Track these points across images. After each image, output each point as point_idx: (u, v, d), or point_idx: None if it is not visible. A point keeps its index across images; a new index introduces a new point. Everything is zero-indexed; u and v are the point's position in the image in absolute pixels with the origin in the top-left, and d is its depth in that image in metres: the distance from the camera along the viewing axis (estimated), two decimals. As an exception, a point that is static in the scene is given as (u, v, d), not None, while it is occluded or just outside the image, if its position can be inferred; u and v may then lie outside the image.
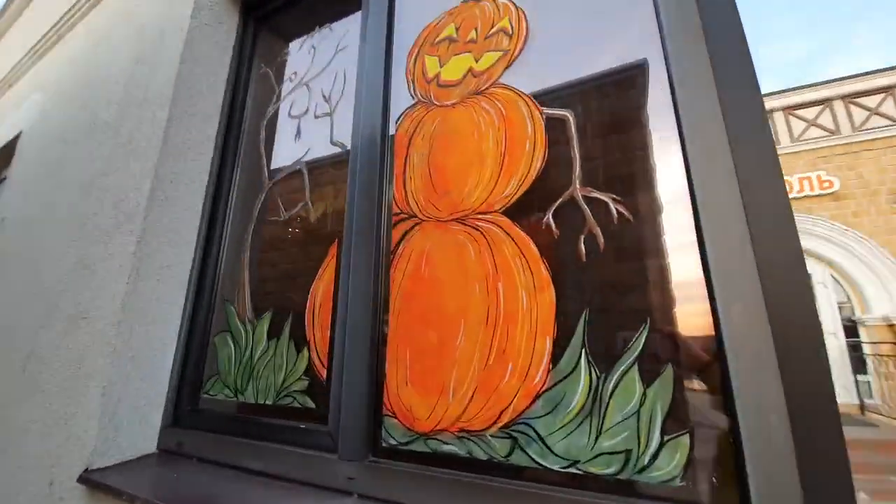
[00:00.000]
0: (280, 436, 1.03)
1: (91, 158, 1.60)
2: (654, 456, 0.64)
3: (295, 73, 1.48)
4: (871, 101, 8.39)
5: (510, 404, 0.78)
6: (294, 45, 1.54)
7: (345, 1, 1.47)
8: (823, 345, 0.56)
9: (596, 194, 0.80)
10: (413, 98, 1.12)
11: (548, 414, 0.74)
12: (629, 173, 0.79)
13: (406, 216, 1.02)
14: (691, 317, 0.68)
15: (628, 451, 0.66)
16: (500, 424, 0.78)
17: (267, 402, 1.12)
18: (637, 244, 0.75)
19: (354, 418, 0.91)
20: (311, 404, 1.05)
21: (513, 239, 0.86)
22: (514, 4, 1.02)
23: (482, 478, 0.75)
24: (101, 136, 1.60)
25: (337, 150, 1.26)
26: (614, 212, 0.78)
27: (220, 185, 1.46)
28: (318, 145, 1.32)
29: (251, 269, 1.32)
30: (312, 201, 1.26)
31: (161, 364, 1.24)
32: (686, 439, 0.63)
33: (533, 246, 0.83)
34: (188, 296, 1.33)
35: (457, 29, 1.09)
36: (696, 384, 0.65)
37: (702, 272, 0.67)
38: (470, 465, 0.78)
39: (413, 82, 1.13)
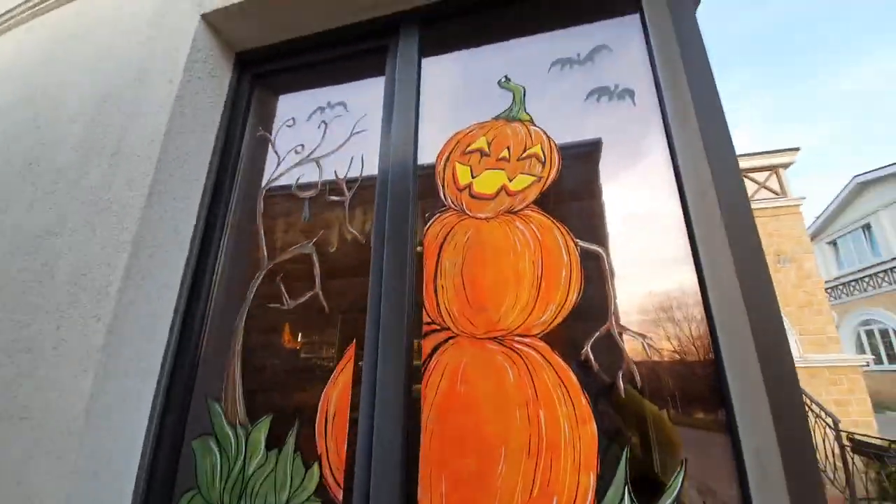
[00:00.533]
0: (284, 571, 0.93)
1: (36, 209, 1.36)
2: None
3: (302, 146, 1.43)
4: (760, 176, 10.32)
5: (557, 541, 0.81)
6: (299, 113, 1.50)
7: (359, 72, 1.49)
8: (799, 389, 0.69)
9: (631, 333, 0.90)
10: (444, 202, 1.16)
11: (597, 554, 0.78)
12: (657, 316, 0.90)
13: (439, 328, 1.03)
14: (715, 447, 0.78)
15: None
16: (548, 564, 0.80)
17: (264, 526, 1.01)
18: (669, 383, 0.85)
19: (383, 554, 0.87)
20: (324, 531, 0.97)
21: (553, 367, 0.92)
22: (546, 134, 1.13)
23: None
24: (53, 184, 1.38)
25: (353, 236, 1.24)
26: (647, 349, 0.88)
27: (203, 258, 1.33)
28: (331, 229, 1.28)
29: (244, 363, 1.20)
30: (324, 291, 1.21)
31: (122, 473, 1.05)
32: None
33: (573, 376, 0.90)
34: (159, 390, 1.16)
35: (489, 143, 1.17)
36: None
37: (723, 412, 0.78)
38: None
39: (444, 186, 1.17)
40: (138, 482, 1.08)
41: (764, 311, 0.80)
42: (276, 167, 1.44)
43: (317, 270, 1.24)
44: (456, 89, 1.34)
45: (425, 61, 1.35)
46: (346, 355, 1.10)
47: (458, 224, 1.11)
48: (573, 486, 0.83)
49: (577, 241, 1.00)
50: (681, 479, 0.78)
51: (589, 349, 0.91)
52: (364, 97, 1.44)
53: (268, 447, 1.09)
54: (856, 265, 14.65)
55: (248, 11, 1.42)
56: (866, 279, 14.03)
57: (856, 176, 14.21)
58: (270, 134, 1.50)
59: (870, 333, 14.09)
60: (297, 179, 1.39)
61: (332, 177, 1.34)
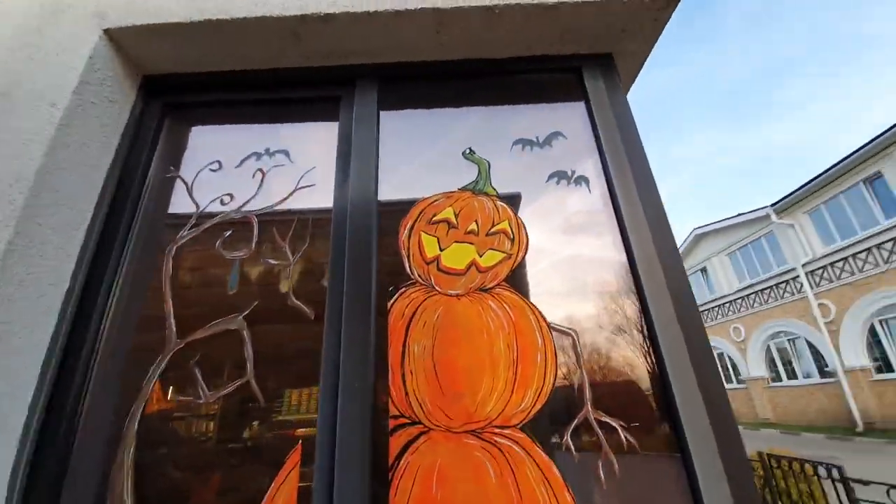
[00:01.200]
0: None
1: None
2: None
3: (231, 196, 1.23)
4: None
5: None
6: (227, 157, 1.30)
7: (305, 119, 1.37)
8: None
9: (606, 419, 0.93)
10: (410, 275, 1.08)
11: None
12: (635, 397, 0.95)
13: (409, 421, 0.93)
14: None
15: None
16: None
17: None
18: (642, 474, 0.89)
19: None
20: None
21: (535, 461, 0.89)
22: (513, 211, 1.16)
23: None
24: None
25: (296, 309, 1.07)
26: (623, 439, 0.91)
27: (78, 333, 1.01)
28: (268, 300, 1.09)
29: (138, 480, 0.90)
30: (257, 379, 1.00)
31: None
32: None
33: (556, 470, 0.88)
34: None
35: (456, 215, 1.16)
36: None
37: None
38: None
39: (409, 258, 1.10)
40: None
41: (710, 376, 0.90)
42: (194, 219, 1.19)
43: (248, 351, 1.03)
44: (416, 150, 1.32)
45: (383, 114, 1.31)
46: (289, 461, 0.91)
47: (427, 300, 1.05)
48: None
49: (550, 322, 1.02)
50: (663, 573, 0.80)
51: (569, 437, 0.91)
52: (310, 147, 1.32)
53: None
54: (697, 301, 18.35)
55: (167, 35, 1.21)
56: (704, 313, 17.66)
57: (695, 229, 18.14)
58: (186, 179, 1.26)
59: (710, 357, 17.50)
60: (224, 237, 1.17)
61: (271, 235, 1.16)
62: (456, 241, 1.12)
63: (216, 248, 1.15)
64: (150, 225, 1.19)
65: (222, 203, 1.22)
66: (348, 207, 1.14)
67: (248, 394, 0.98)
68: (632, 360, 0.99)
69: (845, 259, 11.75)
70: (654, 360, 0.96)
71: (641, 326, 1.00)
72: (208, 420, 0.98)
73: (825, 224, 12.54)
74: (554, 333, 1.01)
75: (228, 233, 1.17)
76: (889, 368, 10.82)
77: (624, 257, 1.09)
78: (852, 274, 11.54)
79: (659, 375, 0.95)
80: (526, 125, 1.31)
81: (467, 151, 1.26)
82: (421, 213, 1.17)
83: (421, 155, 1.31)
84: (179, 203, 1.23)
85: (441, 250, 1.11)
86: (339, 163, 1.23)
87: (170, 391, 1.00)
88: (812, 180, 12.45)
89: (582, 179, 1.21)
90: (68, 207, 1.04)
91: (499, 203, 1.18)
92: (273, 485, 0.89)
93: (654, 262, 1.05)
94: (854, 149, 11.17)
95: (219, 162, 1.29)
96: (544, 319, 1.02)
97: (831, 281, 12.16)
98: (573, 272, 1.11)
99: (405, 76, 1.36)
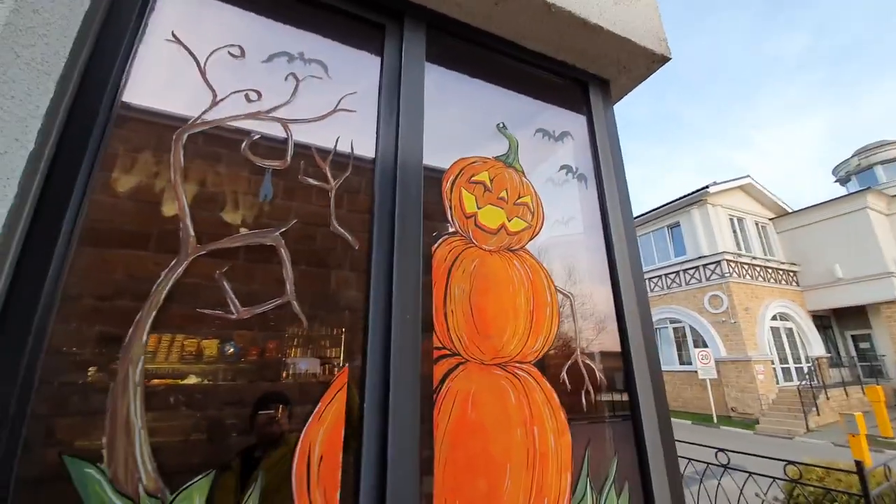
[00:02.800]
0: None
1: None
2: (625, 546, 1.10)
3: (258, 94, 1.09)
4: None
5: (547, 535, 1.02)
6: (252, 46, 1.13)
7: (344, 37, 1.29)
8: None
9: (587, 359, 1.25)
10: (452, 225, 1.19)
11: (572, 535, 1.04)
12: (606, 345, 1.30)
13: (449, 353, 1.06)
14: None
15: (614, 548, 1.08)
16: (542, 556, 1.00)
17: None
18: (611, 396, 1.24)
19: None
20: None
21: (542, 389, 1.15)
22: (534, 188, 1.38)
23: None
24: None
25: (340, 236, 1.07)
26: (598, 370, 1.25)
27: (49, 225, 0.80)
28: (308, 221, 1.04)
29: (147, 398, 0.79)
30: (298, 296, 0.97)
31: None
32: (637, 530, 1.12)
33: (555, 396, 1.15)
34: None
35: (490, 180, 1.31)
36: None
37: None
38: None
39: (451, 209, 1.21)
40: None
41: (648, 336, 1.32)
42: (209, 106, 1.03)
43: (287, 271, 0.98)
44: (453, 109, 1.40)
45: (427, 64, 1.34)
46: (336, 383, 0.94)
47: (466, 250, 1.19)
48: (557, 487, 1.07)
49: (557, 286, 1.28)
50: (614, 467, 1.17)
51: (565, 374, 1.20)
52: (349, 69, 1.26)
53: (207, 521, 0.77)
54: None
55: None
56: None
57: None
58: (198, 58, 1.06)
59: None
60: (249, 140, 1.05)
61: (308, 152, 1.10)
62: (490, 204, 1.28)
63: (242, 149, 1.03)
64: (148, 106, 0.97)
65: (248, 100, 1.08)
66: (398, 145, 1.17)
67: (288, 313, 0.95)
68: (607, 323, 1.34)
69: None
70: (620, 328, 1.33)
71: (614, 299, 1.36)
72: (241, 335, 0.91)
73: (637, 253, 16.70)
74: (559, 295, 1.28)
75: (258, 135, 1.05)
76: (650, 364, 15.29)
77: (603, 244, 1.43)
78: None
79: (622, 338, 1.32)
80: (545, 119, 1.54)
81: (501, 125, 1.41)
82: (462, 170, 1.28)
83: (457, 114, 1.40)
84: (185, 85, 1.03)
85: (478, 208, 1.25)
86: (385, 97, 1.22)
87: (189, 304, 0.88)
88: (635, 218, 16.45)
89: (582, 177, 1.51)
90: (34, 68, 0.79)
91: (524, 178, 1.38)
92: (320, 403, 0.91)
93: (624, 253, 1.42)
94: (664, 203, 15.26)
95: (240, 48, 1.11)
96: (553, 282, 1.28)
97: (632, 297, 16.34)
98: (572, 248, 1.40)
99: (452, 32, 1.41)
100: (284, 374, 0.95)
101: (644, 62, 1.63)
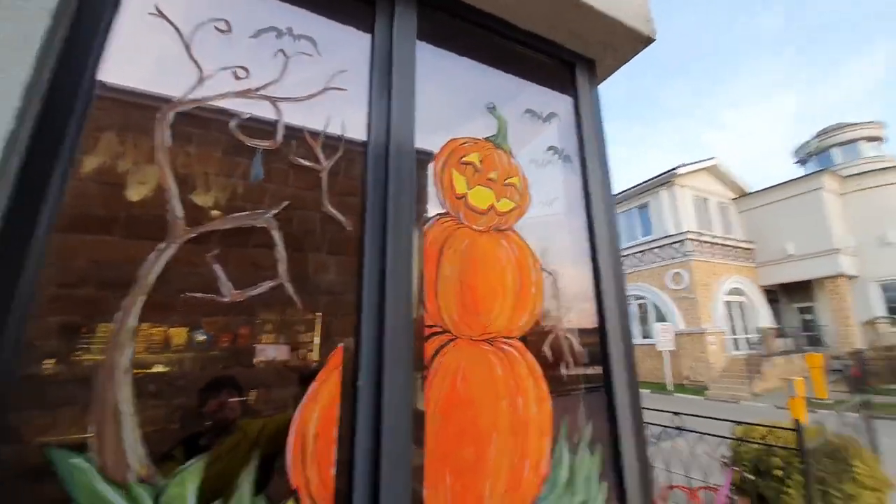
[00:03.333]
0: None
1: None
2: (596, 500, 1.22)
3: (246, 71, 1.05)
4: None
5: (528, 494, 1.13)
6: (239, 20, 1.08)
7: (333, 11, 1.25)
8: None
9: (567, 333, 1.34)
10: (443, 205, 1.22)
11: (550, 493, 1.16)
12: (584, 321, 1.39)
13: (440, 330, 1.12)
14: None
15: (586, 502, 1.21)
16: (524, 511, 1.11)
17: None
18: (588, 368, 1.35)
19: (399, 559, 0.90)
20: (313, 568, 0.86)
21: (525, 362, 1.23)
22: (521, 171, 1.42)
23: (516, 559, 1.04)
24: None
25: (332, 216, 1.07)
26: (577, 344, 1.34)
27: (29, 204, 0.77)
28: (299, 202, 1.04)
29: (135, 385, 0.80)
30: (291, 278, 0.99)
31: None
32: (608, 487, 1.26)
33: (538, 368, 1.24)
34: None
35: (480, 161, 1.33)
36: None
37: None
38: (507, 553, 1.05)
39: (442, 190, 1.23)
40: None
41: (622, 314, 1.43)
42: (194, 82, 0.99)
43: (281, 252, 0.99)
44: (444, 89, 1.39)
45: (418, 42, 1.32)
46: (331, 363, 0.98)
47: (457, 231, 1.22)
48: (537, 451, 1.17)
49: (542, 265, 1.35)
50: (590, 429, 1.28)
51: (546, 348, 1.28)
52: (339, 47, 1.23)
53: (203, 501, 0.81)
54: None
55: None
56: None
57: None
58: (183, 33, 1.00)
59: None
60: (238, 118, 1.02)
61: (298, 132, 1.08)
62: (479, 185, 1.31)
63: (231, 128, 1.00)
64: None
65: (236, 77, 1.04)
66: (390, 124, 1.16)
67: (282, 296, 0.97)
68: (586, 299, 1.43)
69: (613, 258, 16.60)
70: (599, 304, 1.42)
71: (594, 277, 1.44)
72: (232, 319, 0.92)
73: (608, 231, 17.27)
74: (543, 273, 1.35)
75: (247, 114, 1.03)
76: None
77: (586, 224, 1.51)
78: (614, 270, 16.46)
79: (600, 314, 1.42)
80: (534, 100, 1.56)
81: (491, 106, 1.43)
82: (452, 151, 1.29)
83: (448, 94, 1.40)
84: (171, 62, 0.98)
85: (468, 189, 1.28)
86: (377, 75, 1.21)
87: (179, 287, 0.88)
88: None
89: (567, 158, 1.56)
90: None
91: (512, 159, 1.41)
92: (315, 382, 0.95)
93: (604, 233, 1.50)
94: (634, 184, 15.74)
95: (226, 22, 1.06)
96: (538, 261, 1.35)
97: (602, 273, 17.04)
98: (556, 228, 1.46)
99: (444, 8, 1.39)
100: (279, 356, 0.98)
101: (630, 43, 1.66)
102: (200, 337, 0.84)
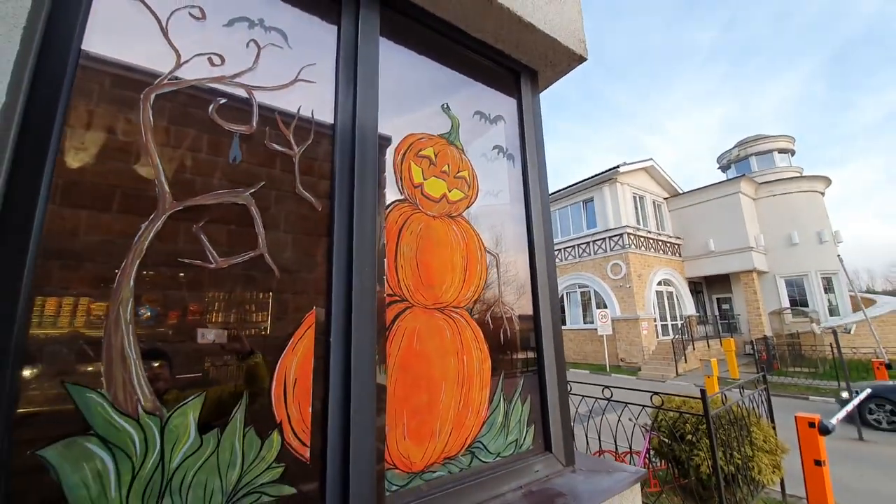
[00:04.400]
0: (249, 543, 0.95)
1: None
2: (526, 438, 1.50)
3: (221, 59, 1.16)
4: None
5: (470, 432, 1.37)
6: (212, 8, 1.18)
7: (303, 5, 1.37)
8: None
9: (507, 307, 1.60)
10: (401, 192, 1.41)
11: (489, 432, 1.42)
12: (521, 297, 1.65)
13: (398, 299, 1.32)
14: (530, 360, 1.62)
15: (518, 439, 1.48)
16: (466, 446, 1.35)
17: (208, 514, 0.93)
18: (522, 335, 1.62)
19: (363, 484, 1.11)
20: (291, 490, 1.04)
21: (471, 328, 1.47)
22: (471, 165, 1.64)
23: (458, 485, 1.29)
24: None
25: (304, 198, 1.22)
26: (514, 315, 1.60)
27: (26, 166, 0.86)
28: (274, 183, 1.18)
29: (138, 333, 0.92)
30: (269, 249, 1.13)
31: None
32: (535, 429, 1.54)
33: (481, 333, 1.49)
34: None
35: (435, 155, 1.53)
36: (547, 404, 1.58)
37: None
38: (451, 480, 1.29)
39: (401, 179, 1.42)
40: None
41: (553, 299, 1.72)
42: (173, 66, 1.08)
43: (259, 227, 1.13)
44: (403, 85, 1.57)
45: (381, 39, 1.49)
46: (306, 322, 1.15)
47: (414, 215, 1.42)
48: (478, 399, 1.42)
49: (486, 247, 1.59)
50: (521, 383, 1.56)
51: (489, 317, 1.53)
52: (308, 41, 1.36)
53: (202, 431, 0.95)
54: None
55: None
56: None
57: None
58: (160, 17, 1.09)
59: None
60: (216, 105, 1.13)
61: (272, 118, 1.21)
62: (434, 176, 1.51)
63: (210, 112, 1.12)
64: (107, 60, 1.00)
65: (212, 63, 1.15)
66: (355, 115, 1.33)
67: (262, 264, 1.11)
68: (522, 277, 1.69)
69: (559, 250, 17.60)
70: (532, 279, 1.70)
71: (529, 259, 1.71)
72: (219, 283, 1.05)
73: (556, 223, 18.25)
74: (487, 255, 1.59)
75: (223, 100, 1.14)
76: (564, 323, 17.31)
77: (524, 214, 1.77)
78: (562, 260, 17.47)
79: (533, 286, 1.69)
80: (483, 103, 1.78)
81: (445, 106, 1.63)
82: (411, 145, 1.48)
83: (407, 89, 1.57)
84: (148, 45, 1.07)
85: (424, 180, 1.48)
86: (343, 69, 1.36)
87: (170, 253, 1.00)
88: (556, 192, 17.84)
89: (511, 156, 1.81)
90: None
91: (463, 155, 1.63)
92: (293, 338, 1.12)
93: (539, 223, 1.77)
94: (581, 179, 16.75)
95: (200, 9, 1.16)
96: (483, 244, 1.59)
97: (549, 264, 18.08)
98: (499, 217, 1.71)
99: (403, 11, 1.55)
100: (260, 317, 1.13)
101: (566, 59, 1.94)
102: (190, 299, 0.98)
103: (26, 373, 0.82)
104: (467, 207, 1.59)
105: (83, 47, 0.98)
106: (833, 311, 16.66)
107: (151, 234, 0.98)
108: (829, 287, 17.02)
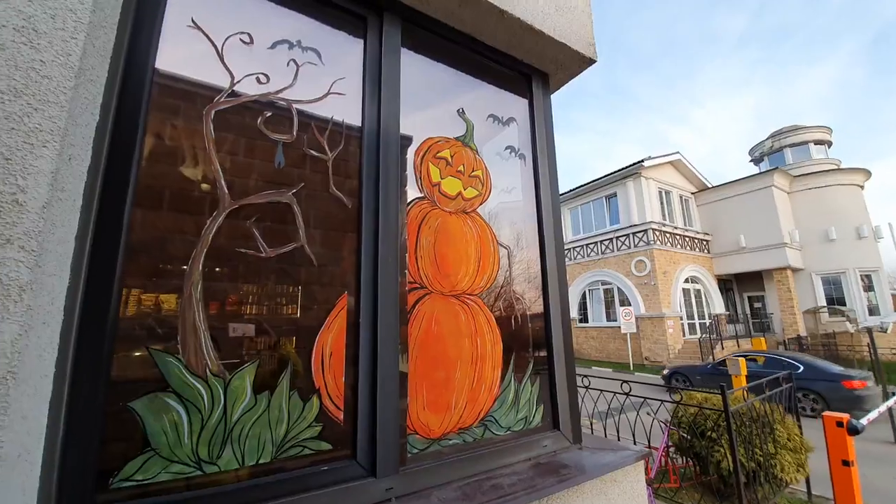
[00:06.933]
0: (294, 486, 1.14)
1: None
2: (535, 416, 1.65)
3: (267, 77, 1.35)
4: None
5: (483, 407, 1.53)
6: (258, 33, 1.37)
7: (330, 23, 1.55)
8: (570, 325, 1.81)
9: (518, 295, 1.74)
10: (420, 191, 1.58)
11: (500, 408, 1.57)
12: (532, 287, 1.80)
13: (418, 286, 1.49)
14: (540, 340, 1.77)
15: (527, 416, 1.63)
16: (479, 419, 1.51)
17: (262, 460, 1.13)
18: (532, 322, 1.76)
19: (388, 444, 1.28)
20: (328, 446, 1.23)
21: (483, 313, 1.62)
22: (485, 165, 1.79)
23: (472, 453, 1.45)
24: None
25: (336, 197, 1.41)
26: (526, 303, 1.75)
27: (113, 184, 1.07)
28: (312, 185, 1.37)
29: (206, 310, 1.13)
30: (310, 245, 1.32)
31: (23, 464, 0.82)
32: (544, 408, 1.69)
33: (493, 318, 1.64)
34: (64, 345, 0.93)
35: (451, 156, 1.69)
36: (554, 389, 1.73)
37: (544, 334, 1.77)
38: (466, 447, 1.45)
39: (420, 179, 1.59)
40: (47, 465, 0.87)
41: (563, 293, 1.85)
42: (229, 88, 1.29)
43: (300, 222, 1.32)
44: (425, 91, 1.73)
45: (403, 51, 1.65)
46: (339, 305, 1.33)
47: (432, 211, 1.59)
48: (491, 377, 1.58)
49: (499, 241, 1.74)
50: (531, 363, 1.70)
51: (501, 304, 1.68)
52: (338, 57, 1.54)
53: (256, 391, 1.16)
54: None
55: None
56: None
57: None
58: (216, 43, 1.29)
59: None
60: (263, 118, 1.33)
61: (309, 128, 1.40)
62: (450, 175, 1.67)
63: (259, 124, 1.31)
64: (177, 82, 1.21)
65: (259, 82, 1.34)
66: (380, 123, 1.50)
67: (302, 255, 1.31)
68: (532, 269, 1.84)
69: (581, 246, 17.46)
70: (542, 272, 1.84)
71: (540, 252, 1.85)
72: (269, 269, 1.25)
73: (578, 219, 18.09)
74: (500, 247, 1.74)
75: (269, 113, 1.34)
76: (586, 320, 17.18)
77: (535, 210, 1.91)
78: (583, 257, 17.34)
79: (543, 279, 1.83)
80: (496, 106, 1.93)
81: (461, 111, 1.78)
82: (429, 147, 1.65)
83: (427, 97, 1.74)
84: (206, 68, 1.27)
85: (441, 179, 1.64)
86: (369, 81, 1.53)
87: (229, 245, 1.20)
88: (578, 188, 17.67)
89: (522, 155, 1.95)
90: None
91: (477, 156, 1.78)
92: (328, 318, 1.30)
93: (550, 218, 1.91)
94: (604, 174, 16.53)
95: (249, 35, 1.36)
96: (495, 237, 1.74)
97: (570, 260, 17.88)
98: (511, 213, 1.86)
99: (424, 25, 1.72)
100: (301, 299, 1.32)
101: (576, 62, 2.05)
102: (244, 282, 1.18)
103: (121, 342, 1.03)
104: (481, 204, 1.74)
105: (156, 73, 1.18)
106: (873, 311, 15.88)
107: (214, 229, 1.18)
108: (868, 285, 16.21)
